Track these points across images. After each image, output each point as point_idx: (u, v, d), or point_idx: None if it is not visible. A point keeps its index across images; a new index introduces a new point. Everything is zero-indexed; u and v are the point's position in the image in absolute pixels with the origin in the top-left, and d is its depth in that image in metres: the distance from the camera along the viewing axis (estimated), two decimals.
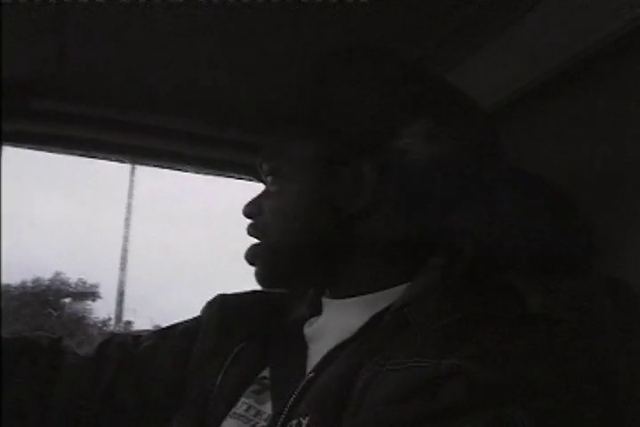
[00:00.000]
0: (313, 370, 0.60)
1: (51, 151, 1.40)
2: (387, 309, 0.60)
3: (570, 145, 1.05)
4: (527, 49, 1.01)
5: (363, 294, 0.64)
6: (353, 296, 0.64)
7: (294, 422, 0.55)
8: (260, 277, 0.67)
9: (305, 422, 0.55)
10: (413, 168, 0.58)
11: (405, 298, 0.59)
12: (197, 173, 1.54)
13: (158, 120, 1.37)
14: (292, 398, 0.58)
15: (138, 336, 0.79)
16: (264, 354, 0.68)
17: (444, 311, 0.56)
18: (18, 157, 1.35)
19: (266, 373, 0.66)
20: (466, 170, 0.61)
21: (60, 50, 1.11)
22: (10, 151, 1.31)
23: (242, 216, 0.68)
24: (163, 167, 1.50)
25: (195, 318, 0.80)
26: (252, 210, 0.68)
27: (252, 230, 0.67)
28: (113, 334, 0.80)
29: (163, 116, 1.37)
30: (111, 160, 1.46)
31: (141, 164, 1.53)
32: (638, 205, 0.92)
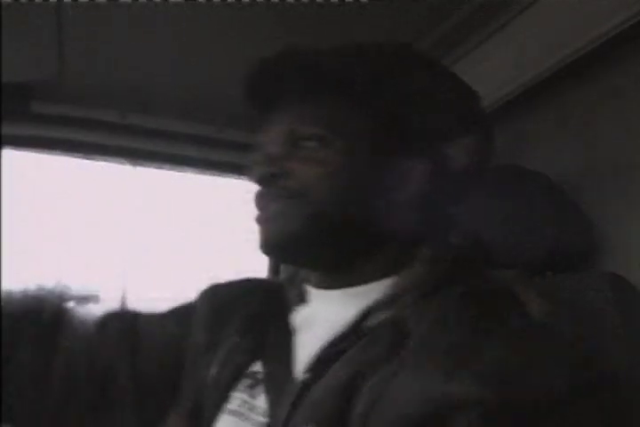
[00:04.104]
0: (308, 370, 0.59)
1: (51, 154, 1.40)
2: (376, 302, 0.60)
3: (570, 143, 1.05)
4: (523, 48, 1.01)
5: (351, 285, 0.64)
6: (340, 288, 0.64)
7: None
8: (286, 237, 0.62)
9: None
10: (451, 172, 0.65)
11: (394, 291, 0.60)
12: (198, 174, 1.54)
13: (158, 123, 1.38)
14: (289, 405, 0.57)
15: (137, 315, 0.78)
16: (256, 347, 0.68)
17: (447, 323, 0.55)
18: (18, 160, 1.35)
19: (258, 366, 0.65)
20: (481, 176, 0.69)
21: (59, 53, 1.11)
22: (10, 154, 1.31)
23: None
24: (163, 169, 1.51)
25: (189, 306, 0.78)
26: (277, 171, 0.63)
27: (281, 191, 0.62)
28: (112, 312, 0.78)
29: (162, 119, 1.37)
30: (110, 162, 1.46)
31: (141, 166, 1.53)
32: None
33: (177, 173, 1.54)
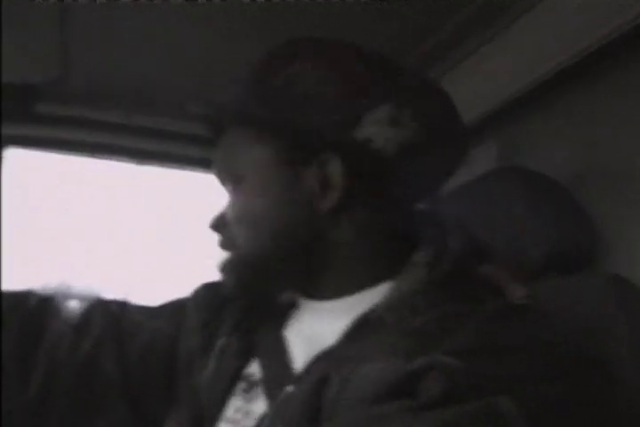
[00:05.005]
0: (293, 382, 0.57)
1: (56, 154, 1.41)
2: (371, 311, 0.56)
3: (572, 144, 1.05)
4: (524, 50, 1.01)
5: (342, 296, 0.60)
6: (330, 299, 0.61)
7: None
8: (230, 289, 0.63)
9: None
10: (380, 157, 0.55)
11: (393, 297, 0.56)
12: (203, 174, 1.54)
13: (163, 123, 1.38)
14: (271, 414, 0.56)
15: (124, 305, 0.77)
16: (248, 348, 0.66)
17: (419, 310, 0.52)
18: (22, 160, 1.36)
19: (253, 368, 0.64)
20: (435, 152, 0.58)
21: (64, 54, 1.11)
22: (15, 154, 1.32)
23: None
24: (168, 169, 1.51)
25: (180, 305, 0.76)
26: (217, 223, 0.64)
27: (222, 244, 0.64)
28: (98, 301, 0.77)
29: (167, 119, 1.38)
30: (116, 162, 1.47)
31: (146, 165, 1.54)
32: None
33: (182, 173, 1.54)
